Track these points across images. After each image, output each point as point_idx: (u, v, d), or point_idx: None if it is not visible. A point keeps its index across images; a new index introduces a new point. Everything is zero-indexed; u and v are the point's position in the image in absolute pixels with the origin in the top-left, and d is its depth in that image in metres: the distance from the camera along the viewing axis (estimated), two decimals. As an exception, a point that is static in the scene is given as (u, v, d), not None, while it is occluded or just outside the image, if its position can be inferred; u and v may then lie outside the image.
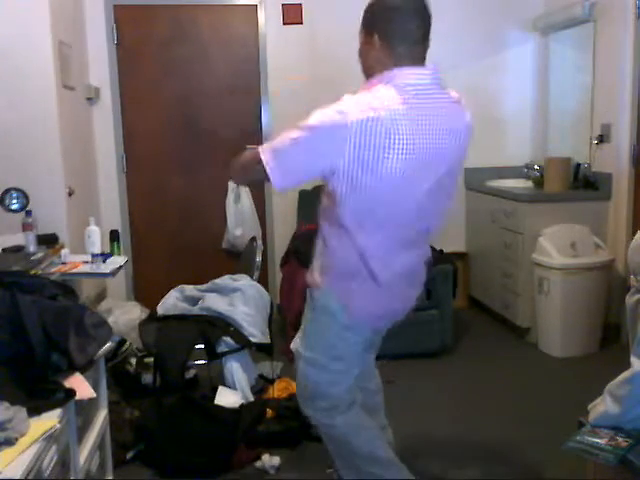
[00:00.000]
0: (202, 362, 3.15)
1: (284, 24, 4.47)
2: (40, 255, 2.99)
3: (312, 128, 1.79)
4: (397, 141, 1.74)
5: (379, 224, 1.87)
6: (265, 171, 1.81)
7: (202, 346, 3.00)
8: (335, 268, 1.96)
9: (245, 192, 4.54)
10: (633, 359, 1.77)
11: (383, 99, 1.75)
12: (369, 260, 1.89)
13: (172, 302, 3.22)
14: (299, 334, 2.17)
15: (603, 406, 1.83)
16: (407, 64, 1.83)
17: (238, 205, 4.52)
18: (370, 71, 1.89)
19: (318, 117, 1.79)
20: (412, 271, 2.06)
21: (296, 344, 2.16)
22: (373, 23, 1.86)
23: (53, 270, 2.87)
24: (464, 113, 1.97)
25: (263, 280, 3.77)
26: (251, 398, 3.04)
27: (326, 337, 2.04)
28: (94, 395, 1.87)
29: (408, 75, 1.82)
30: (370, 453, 2.14)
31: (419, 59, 1.87)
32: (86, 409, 2.12)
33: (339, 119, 1.74)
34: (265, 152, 1.84)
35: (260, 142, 4.58)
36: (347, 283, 1.95)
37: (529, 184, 4.46)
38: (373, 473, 2.14)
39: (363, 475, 2.15)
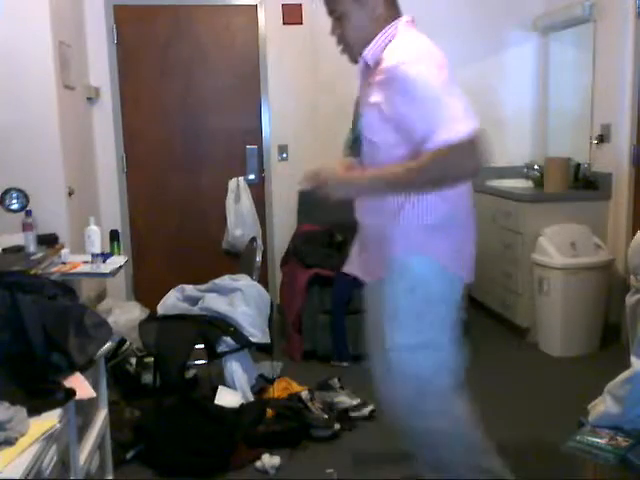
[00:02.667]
0: (202, 362, 3.15)
1: (284, 24, 4.47)
2: (40, 255, 2.99)
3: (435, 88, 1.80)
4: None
5: None
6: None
7: (202, 346, 3.00)
8: (417, 228, 1.88)
9: (245, 192, 4.54)
10: (633, 359, 1.77)
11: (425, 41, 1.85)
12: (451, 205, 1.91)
13: (172, 302, 3.22)
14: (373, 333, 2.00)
15: (603, 406, 1.83)
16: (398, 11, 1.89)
17: (238, 205, 4.52)
18: (369, 37, 1.83)
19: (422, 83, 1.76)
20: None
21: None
22: None
23: (53, 270, 2.87)
24: None
25: (263, 280, 3.77)
26: (251, 398, 3.04)
27: (430, 310, 1.90)
28: (94, 395, 1.87)
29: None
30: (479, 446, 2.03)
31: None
32: (86, 409, 2.12)
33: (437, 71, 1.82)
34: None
35: (260, 142, 4.59)
36: (436, 238, 1.93)
37: (529, 184, 4.46)
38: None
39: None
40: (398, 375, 1.95)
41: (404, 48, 1.79)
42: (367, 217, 1.97)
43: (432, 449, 2.04)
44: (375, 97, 1.80)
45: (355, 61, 1.90)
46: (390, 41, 1.83)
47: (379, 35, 1.83)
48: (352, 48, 1.87)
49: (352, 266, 2.13)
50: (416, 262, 1.88)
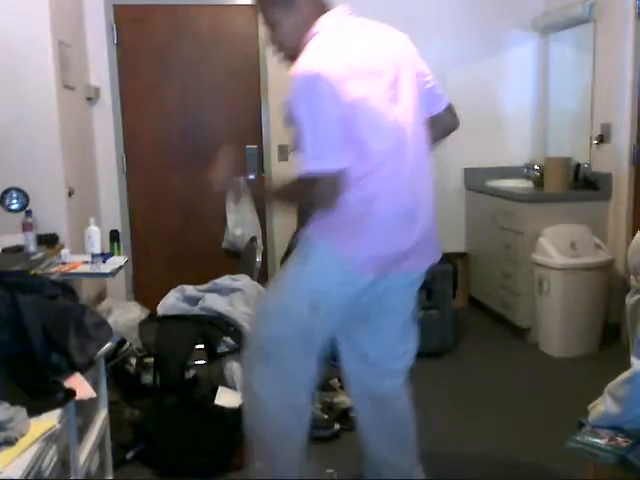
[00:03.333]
0: (202, 362, 3.15)
1: (284, 24, 4.47)
2: (40, 255, 2.99)
3: None
4: None
5: None
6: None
7: (202, 346, 3.00)
8: None
9: (245, 192, 4.53)
10: (633, 359, 1.77)
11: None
12: None
13: (172, 302, 3.22)
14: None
15: (603, 406, 1.83)
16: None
17: (238, 205, 4.52)
18: (300, 42, 1.82)
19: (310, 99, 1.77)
20: None
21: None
22: None
23: (53, 270, 2.87)
24: None
25: (263, 280, 3.76)
26: (251, 398, 3.03)
27: None
28: (94, 395, 1.87)
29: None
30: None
31: None
32: (86, 409, 2.12)
33: None
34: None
35: (260, 142, 4.59)
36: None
37: (529, 184, 4.46)
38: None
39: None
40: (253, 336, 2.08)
41: (308, 55, 1.76)
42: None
43: None
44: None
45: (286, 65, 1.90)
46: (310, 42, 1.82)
47: (307, 40, 1.83)
48: (292, 54, 1.84)
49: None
50: (320, 250, 1.91)
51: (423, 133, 1.93)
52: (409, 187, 1.86)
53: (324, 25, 1.85)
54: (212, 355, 3.00)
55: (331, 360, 3.83)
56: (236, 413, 2.81)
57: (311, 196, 1.81)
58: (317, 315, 1.89)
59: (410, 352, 2.15)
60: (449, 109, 2.09)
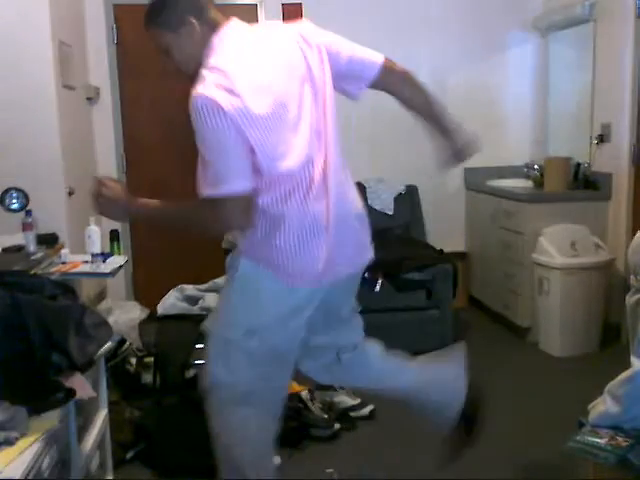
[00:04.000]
0: (202, 362, 3.14)
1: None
2: (40, 255, 2.99)
3: None
4: None
5: None
6: None
7: (202, 346, 2.99)
8: None
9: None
10: (633, 359, 1.77)
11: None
12: None
13: (172, 302, 3.22)
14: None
15: (603, 406, 1.83)
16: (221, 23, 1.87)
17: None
18: (197, 63, 1.79)
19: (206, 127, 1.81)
20: None
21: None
22: (185, 10, 1.81)
23: (53, 270, 2.86)
24: None
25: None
26: (251, 398, 3.03)
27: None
28: (94, 395, 1.87)
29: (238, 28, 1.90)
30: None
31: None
32: (86, 409, 2.12)
33: None
34: None
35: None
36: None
37: (529, 184, 4.46)
38: None
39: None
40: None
41: (203, 75, 1.73)
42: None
43: None
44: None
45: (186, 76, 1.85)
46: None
47: (204, 58, 1.79)
48: (190, 75, 1.80)
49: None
50: (248, 266, 1.92)
51: (335, 134, 1.89)
52: (315, 201, 1.82)
53: (219, 43, 1.82)
54: (212, 355, 3.00)
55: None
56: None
57: (215, 219, 1.83)
58: (255, 338, 1.88)
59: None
60: (385, 66, 2.00)
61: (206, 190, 1.81)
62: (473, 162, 4.91)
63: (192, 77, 1.77)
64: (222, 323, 1.98)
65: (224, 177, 1.78)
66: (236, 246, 1.94)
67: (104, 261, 3.00)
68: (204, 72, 1.72)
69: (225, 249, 4.56)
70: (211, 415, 2.02)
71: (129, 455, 2.70)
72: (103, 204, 1.80)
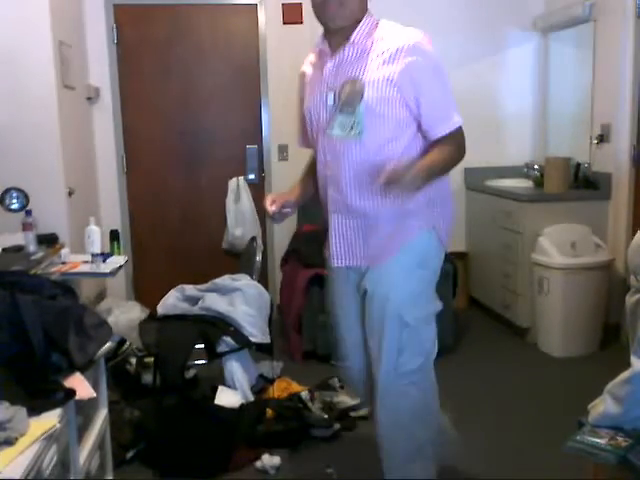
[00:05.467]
0: (202, 362, 3.15)
1: (284, 24, 4.47)
2: (40, 255, 2.99)
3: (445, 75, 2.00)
4: None
5: None
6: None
7: (202, 346, 3.00)
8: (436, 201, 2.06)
9: (245, 192, 4.54)
10: (633, 359, 1.77)
11: None
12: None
13: (172, 302, 3.22)
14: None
15: (603, 406, 1.83)
16: None
17: (238, 205, 4.52)
18: (359, 15, 1.96)
19: (441, 65, 1.98)
20: None
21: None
22: None
23: (53, 270, 2.87)
24: None
25: (263, 280, 3.77)
26: (251, 398, 3.04)
27: (433, 282, 2.16)
28: (94, 395, 1.87)
29: None
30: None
31: None
32: (86, 409, 2.12)
33: None
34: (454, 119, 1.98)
35: (260, 142, 4.59)
36: (438, 215, 2.09)
37: (529, 184, 4.46)
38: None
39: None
40: (416, 349, 2.09)
41: (412, 32, 1.94)
42: (371, 202, 1.99)
43: (415, 430, 2.18)
44: (389, 72, 1.89)
45: (334, 29, 1.96)
46: (376, 26, 1.98)
47: (365, 18, 1.97)
48: (348, 15, 1.94)
49: (347, 258, 2.08)
50: (426, 238, 2.05)
51: None
52: None
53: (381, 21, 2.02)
54: (212, 355, 3.00)
55: (331, 360, 3.84)
56: (236, 413, 2.82)
57: (464, 146, 2.00)
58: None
59: None
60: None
61: (457, 120, 1.97)
62: (473, 162, 4.95)
63: (344, 19, 1.93)
64: (424, 303, 2.10)
65: (454, 109, 1.98)
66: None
67: (104, 261, 3.00)
68: (414, 31, 1.93)
69: (225, 249, 4.57)
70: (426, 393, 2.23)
71: (129, 455, 2.70)
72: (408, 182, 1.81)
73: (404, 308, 2.02)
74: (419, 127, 1.98)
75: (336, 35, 1.98)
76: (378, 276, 2.04)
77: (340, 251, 2.08)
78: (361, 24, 1.96)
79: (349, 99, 1.91)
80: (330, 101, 1.97)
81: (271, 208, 2.08)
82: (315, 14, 1.99)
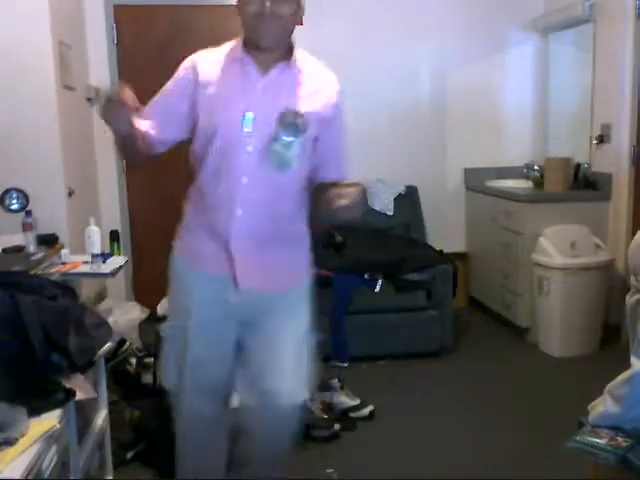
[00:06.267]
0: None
1: (284, 24, 4.47)
2: (40, 255, 2.99)
3: None
4: None
5: None
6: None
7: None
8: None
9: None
10: (633, 359, 1.77)
11: None
12: None
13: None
14: None
15: (603, 406, 1.83)
16: None
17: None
18: (288, 39, 1.95)
19: None
20: None
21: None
22: None
23: (53, 270, 2.86)
24: None
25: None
26: (251, 398, 3.03)
27: None
28: (94, 395, 1.87)
29: None
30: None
31: None
32: (86, 409, 2.12)
33: None
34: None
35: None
36: None
37: (529, 184, 4.46)
38: None
39: None
40: (305, 368, 2.07)
41: (332, 75, 2.03)
42: (281, 230, 1.98)
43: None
44: (321, 114, 1.91)
45: (264, 45, 1.90)
46: (302, 57, 1.98)
47: (293, 44, 1.96)
48: (281, 35, 1.92)
49: (253, 280, 1.97)
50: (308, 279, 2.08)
51: None
52: None
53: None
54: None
55: (331, 360, 3.85)
56: (236, 413, 2.82)
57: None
58: None
59: None
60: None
61: (348, 173, 2.00)
62: (473, 162, 4.94)
63: (278, 39, 1.91)
64: None
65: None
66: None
67: (104, 261, 3.00)
68: (329, 71, 2.01)
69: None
70: None
71: (129, 455, 2.70)
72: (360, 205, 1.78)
73: (306, 333, 2.07)
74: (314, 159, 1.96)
75: (262, 54, 1.91)
76: (276, 303, 2.02)
77: (246, 271, 1.97)
78: (295, 51, 1.94)
79: (289, 130, 1.81)
80: (247, 122, 1.87)
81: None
82: (246, 28, 1.94)
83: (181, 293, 2.14)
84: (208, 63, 2.05)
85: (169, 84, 2.09)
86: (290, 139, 1.81)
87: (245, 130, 1.87)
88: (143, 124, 2.00)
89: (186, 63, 2.09)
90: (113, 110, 1.82)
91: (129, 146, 1.97)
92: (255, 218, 1.93)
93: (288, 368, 2.02)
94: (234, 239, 1.93)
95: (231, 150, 1.90)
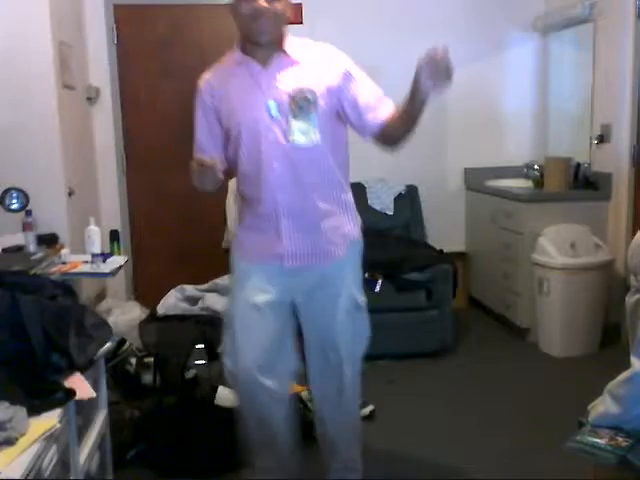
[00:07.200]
0: (202, 362, 3.14)
1: (284, 24, 4.47)
2: (40, 255, 2.99)
3: None
4: None
5: None
6: None
7: (202, 346, 3.00)
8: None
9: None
10: (633, 359, 1.77)
11: None
12: None
13: (172, 302, 3.22)
14: None
15: (603, 406, 1.83)
16: None
17: (238, 205, 4.52)
18: (281, 33, 2.08)
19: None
20: None
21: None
22: None
23: (53, 270, 2.86)
24: None
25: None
26: (251, 398, 3.03)
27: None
28: (94, 395, 1.87)
29: None
30: None
31: None
32: (86, 409, 2.12)
33: None
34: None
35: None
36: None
37: (529, 184, 4.45)
38: None
39: None
40: (363, 334, 2.32)
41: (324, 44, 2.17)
42: (322, 203, 2.13)
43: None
44: (329, 80, 2.07)
45: (263, 41, 2.05)
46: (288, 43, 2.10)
47: (286, 35, 2.10)
48: (279, 30, 2.06)
49: (303, 258, 2.14)
50: (360, 238, 2.26)
51: None
52: None
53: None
54: (212, 355, 3.00)
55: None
56: (236, 413, 2.82)
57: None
58: None
59: None
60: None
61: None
62: (473, 162, 4.94)
63: (273, 32, 2.04)
64: None
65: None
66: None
67: (104, 261, 3.00)
68: (323, 44, 2.15)
69: (225, 249, 4.57)
70: None
71: (129, 455, 2.70)
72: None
73: (354, 299, 2.27)
74: (357, 118, 2.11)
75: (263, 49, 2.06)
76: (325, 274, 2.17)
77: (290, 249, 2.14)
78: (288, 38, 2.09)
79: (303, 107, 2.01)
80: (274, 109, 2.03)
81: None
82: (242, 28, 2.09)
83: (237, 280, 2.25)
84: (217, 78, 2.20)
85: (198, 113, 2.25)
86: (306, 113, 2.00)
87: (274, 116, 2.03)
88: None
89: (200, 86, 2.26)
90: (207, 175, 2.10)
91: (214, 184, 2.20)
92: (296, 197, 2.09)
93: (343, 323, 2.21)
94: (281, 221, 2.10)
95: (257, 142, 2.06)
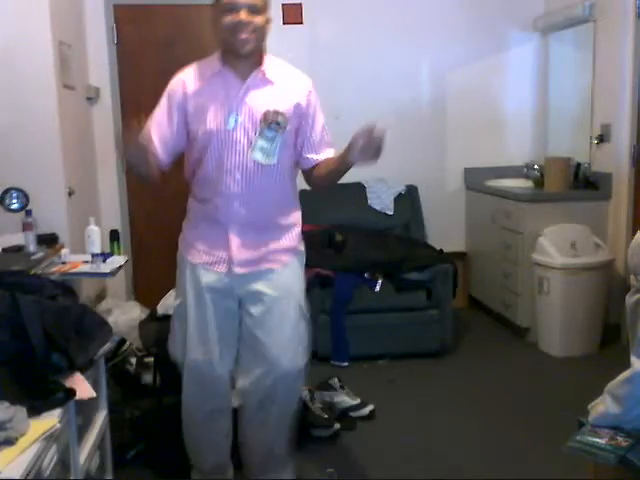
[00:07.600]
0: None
1: (284, 24, 4.46)
2: (40, 255, 2.99)
3: None
4: None
5: None
6: None
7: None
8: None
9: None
10: (633, 359, 1.77)
11: None
12: None
13: (172, 302, 3.21)
14: None
15: (603, 406, 1.83)
16: None
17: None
18: (262, 45, 2.18)
19: None
20: None
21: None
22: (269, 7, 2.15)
23: (53, 270, 2.86)
24: None
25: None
26: (251, 398, 3.03)
27: None
28: (94, 395, 1.87)
29: None
30: None
31: None
32: (86, 409, 2.12)
33: None
34: None
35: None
36: None
37: (529, 184, 4.46)
38: None
39: None
40: (303, 341, 2.32)
41: (303, 74, 2.30)
42: (273, 216, 2.24)
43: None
44: (298, 108, 2.18)
45: (243, 53, 2.10)
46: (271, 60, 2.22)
47: (265, 51, 2.20)
48: (257, 44, 2.14)
49: (249, 263, 2.21)
50: (303, 250, 2.38)
51: None
52: None
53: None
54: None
55: (331, 360, 3.85)
56: (236, 413, 2.82)
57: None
58: None
59: None
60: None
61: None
62: (473, 162, 4.94)
63: (252, 48, 2.11)
64: None
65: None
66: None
67: (104, 261, 3.00)
68: (298, 71, 2.27)
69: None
70: None
71: (129, 455, 2.70)
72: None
73: (301, 304, 2.31)
74: (299, 151, 2.24)
75: (241, 62, 2.13)
76: (272, 279, 2.24)
77: (234, 257, 2.20)
78: (267, 56, 2.19)
79: (272, 128, 2.10)
80: (231, 122, 2.10)
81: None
82: (223, 39, 2.11)
83: (184, 277, 2.34)
84: (193, 78, 2.24)
85: (163, 102, 2.30)
86: (273, 135, 2.10)
87: (229, 129, 2.11)
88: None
89: (174, 80, 2.31)
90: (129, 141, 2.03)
91: (143, 167, 2.13)
92: (250, 208, 2.17)
93: (287, 335, 2.24)
94: (231, 228, 2.18)
95: (223, 152, 2.14)
